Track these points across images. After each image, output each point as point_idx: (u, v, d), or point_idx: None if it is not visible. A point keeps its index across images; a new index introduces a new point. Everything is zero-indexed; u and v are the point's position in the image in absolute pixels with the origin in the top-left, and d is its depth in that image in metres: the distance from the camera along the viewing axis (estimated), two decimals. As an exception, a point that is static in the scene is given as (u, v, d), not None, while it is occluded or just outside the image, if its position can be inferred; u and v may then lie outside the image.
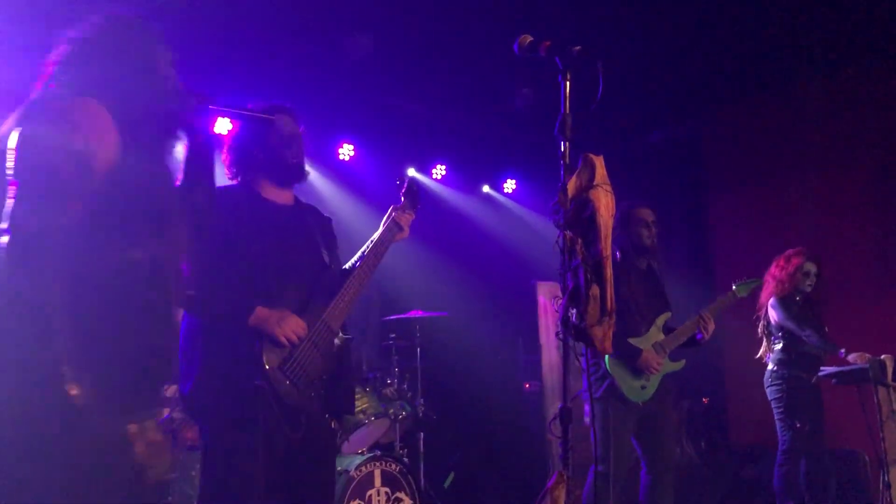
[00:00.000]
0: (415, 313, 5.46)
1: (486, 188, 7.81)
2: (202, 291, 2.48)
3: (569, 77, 2.25)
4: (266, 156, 2.71)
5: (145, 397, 1.91)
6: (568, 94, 2.25)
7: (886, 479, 4.24)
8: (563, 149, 2.22)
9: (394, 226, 2.92)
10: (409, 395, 5.27)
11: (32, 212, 1.75)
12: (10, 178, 1.77)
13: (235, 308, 2.49)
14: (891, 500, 4.26)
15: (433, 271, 6.68)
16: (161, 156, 2.03)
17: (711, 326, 4.04)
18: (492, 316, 6.92)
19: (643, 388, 3.93)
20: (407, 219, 2.96)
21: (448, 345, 6.48)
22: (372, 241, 2.91)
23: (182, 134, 2.09)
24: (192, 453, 4.90)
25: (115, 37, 2.00)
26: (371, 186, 6.57)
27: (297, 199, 2.88)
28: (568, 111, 2.23)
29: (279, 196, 2.78)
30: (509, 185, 7.84)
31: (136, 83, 1.95)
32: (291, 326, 2.50)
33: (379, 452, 4.47)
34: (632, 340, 3.93)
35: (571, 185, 2.20)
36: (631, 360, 3.89)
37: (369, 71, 5.78)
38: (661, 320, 4.09)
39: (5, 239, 1.75)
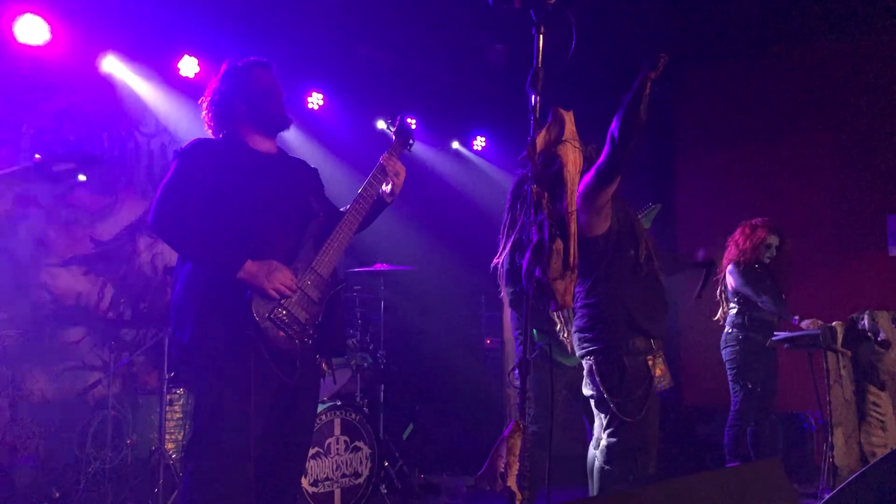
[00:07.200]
0: (379, 266, 5.46)
1: (455, 144, 7.77)
2: (196, 242, 2.58)
3: (542, 30, 2.24)
4: (249, 105, 2.79)
5: None
6: (541, 48, 2.24)
7: (830, 440, 4.38)
8: (533, 102, 2.21)
9: (379, 173, 2.94)
10: (372, 346, 5.30)
11: None
12: None
13: (227, 259, 2.55)
14: (833, 461, 4.41)
15: (399, 225, 6.66)
16: None
17: None
18: (456, 272, 6.94)
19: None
20: (394, 166, 2.96)
21: (412, 299, 6.51)
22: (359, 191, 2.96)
23: None
24: (151, 397, 4.90)
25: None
26: (339, 137, 6.50)
27: (280, 150, 2.95)
28: (540, 65, 2.22)
29: (264, 146, 2.84)
30: (479, 143, 7.81)
31: None
32: (280, 279, 2.56)
33: (339, 402, 4.50)
34: None
35: (540, 139, 2.20)
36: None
37: (342, 19, 5.67)
38: None
39: None
